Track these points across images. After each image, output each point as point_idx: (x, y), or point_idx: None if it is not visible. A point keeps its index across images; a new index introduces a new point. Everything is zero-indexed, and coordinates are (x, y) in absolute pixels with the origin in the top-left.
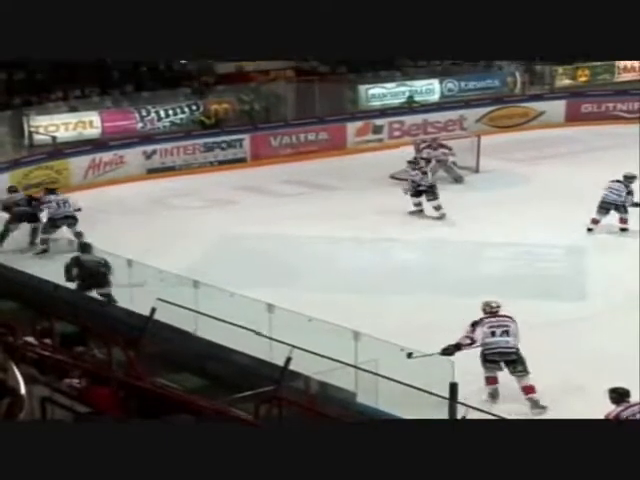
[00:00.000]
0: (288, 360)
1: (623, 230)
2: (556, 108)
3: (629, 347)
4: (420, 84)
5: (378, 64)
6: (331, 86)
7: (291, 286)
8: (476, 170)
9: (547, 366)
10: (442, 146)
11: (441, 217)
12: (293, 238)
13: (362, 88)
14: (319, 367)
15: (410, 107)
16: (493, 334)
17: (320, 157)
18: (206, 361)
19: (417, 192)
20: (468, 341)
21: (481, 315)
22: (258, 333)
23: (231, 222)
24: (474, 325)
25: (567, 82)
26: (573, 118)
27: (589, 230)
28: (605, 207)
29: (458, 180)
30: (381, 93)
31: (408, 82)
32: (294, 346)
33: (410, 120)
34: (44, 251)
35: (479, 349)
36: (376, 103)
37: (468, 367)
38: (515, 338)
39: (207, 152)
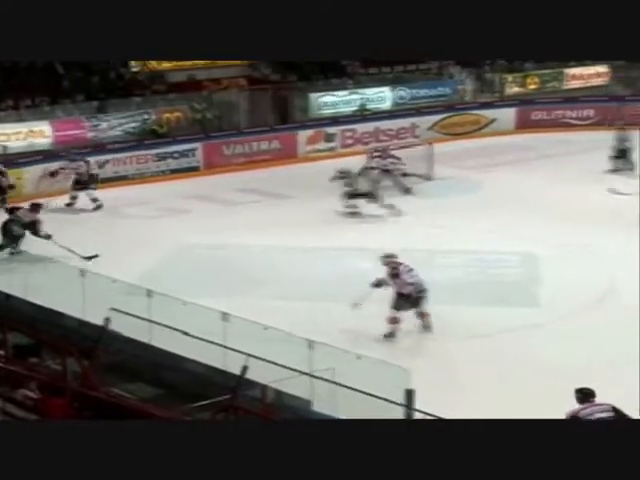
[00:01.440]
0: (244, 369)
1: None
2: (507, 116)
3: (580, 354)
4: (371, 92)
5: (329, 72)
6: (283, 94)
7: (246, 295)
8: (429, 177)
9: (499, 373)
10: (391, 156)
11: (392, 211)
12: (247, 247)
13: (313, 96)
14: (275, 375)
15: (362, 115)
16: (412, 277)
17: (273, 166)
18: (161, 370)
19: (354, 195)
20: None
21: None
22: (186, 333)
23: (184, 231)
24: (396, 277)
25: (517, 90)
26: (523, 125)
27: None
28: None
29: (406, 191)
30: (332, 101)
31: (359, 90)
32: (249, 355)
33: (362, 128)
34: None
35: None
36: (328, 111)
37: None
38: None
39: (160, 161)
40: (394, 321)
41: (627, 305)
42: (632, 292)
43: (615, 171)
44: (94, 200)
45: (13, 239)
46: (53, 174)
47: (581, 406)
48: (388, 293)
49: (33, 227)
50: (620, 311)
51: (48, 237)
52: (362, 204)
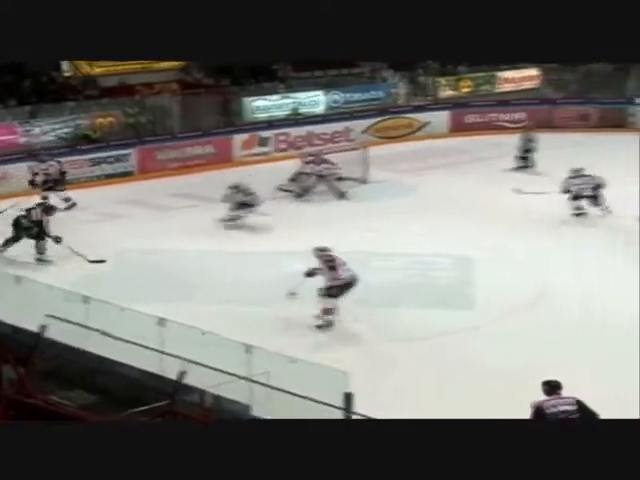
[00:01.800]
0: (182, 374)
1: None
2: (440, 119)
3: (516, 356)
4: (304, 96)
5: (261, 75)
6: (216, 99)
7: (182, 299)
8: (364, 181)
9: (439, 375)
10: (325, 161)
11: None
12: (183, 251)
13: (246, 100)
14: (213, 380)
15: (295, 119)
16: (348, 270)
17: (207, 170)
18: (98, 377)
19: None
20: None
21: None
22: (122, 339)
23: (120, 236)
24: (333, 269)
25: (450, 93)
26: (457, 129)
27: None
28: None
29: (341, 196)
30: (265, 105)
31: (292, 94)
32: (187, 359)
33: (295, 132)
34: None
35: None
36: (261, 115)
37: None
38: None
39: (94, 166)
40: (328, 312)
41: (558, 306)
42: (562, 293)
43: (519, 169)
44: (66, 200)
45: (20, 234)
46: (32, 181)
47: (546, 398)
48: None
49: (40, 226)
50: (552, 313)
51: (58, 240)
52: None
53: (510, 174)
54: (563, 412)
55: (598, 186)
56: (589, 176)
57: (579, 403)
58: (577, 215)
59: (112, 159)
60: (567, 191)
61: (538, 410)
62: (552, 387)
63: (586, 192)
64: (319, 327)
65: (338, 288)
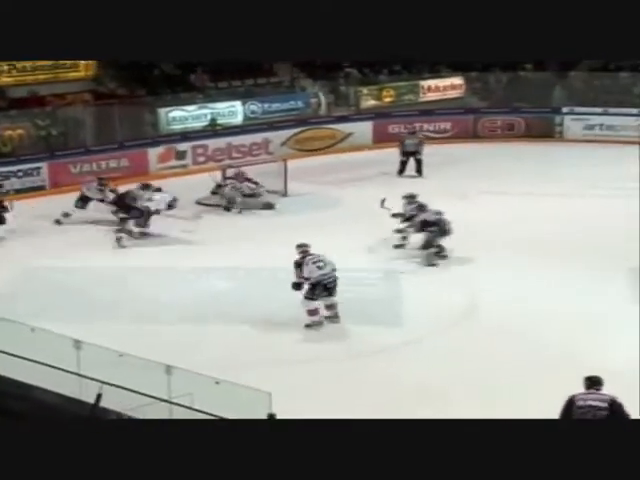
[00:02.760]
0: (99, 397)
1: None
2: (363, 129)
3: (446, 374)
4: (222, 106)
5: (177, 86)
6: (131, 110)
7: (98, 318)
8: (284, 194)
9: (366, 394)
10: (248, 180)
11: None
12: (100, 269)
13: (162, 111)
14: (132, 403)
15: (213, 130)
16: (320, 268)
17: (123, 184)
18: (9, 400)
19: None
20: (303, 280)
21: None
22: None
23: (31, 253)
24: (299, 266)
25: (373, 103)
26: (381, 139)
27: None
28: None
29: (268, 206)
30: (182, 116)
31: (210, 104)
32: (104, 382)
33: (214, 144)
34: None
35: None
36: (177, 127)
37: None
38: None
39: (3, 180)
40: (313, 313)
41: (485, 324)
42: (490, 311)
43: (401, 172)
44: None
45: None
46: None
47: (583, 391)
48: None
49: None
50: (479, 329)
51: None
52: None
53: (439, 184)
54: (591, 407)
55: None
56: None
57: (613, 402)
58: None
59: (22, 173)
60: (399, 215)
61: (569, 401)
62: (592, 382)
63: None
64: (307, 326)
65: (309, 289)
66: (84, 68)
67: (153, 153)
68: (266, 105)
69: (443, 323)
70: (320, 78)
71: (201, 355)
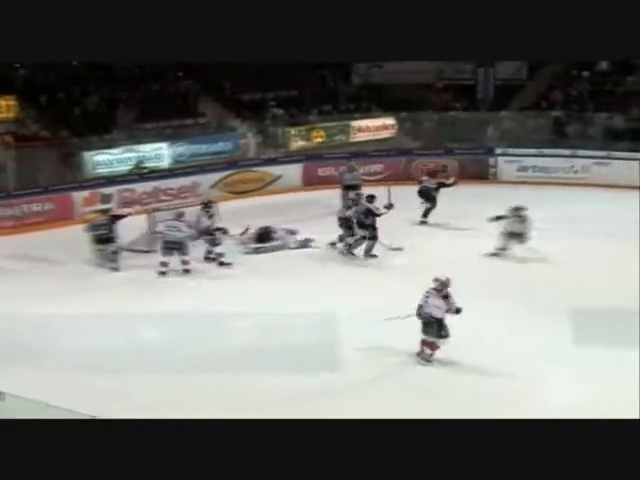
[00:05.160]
0: None
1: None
2: (293, 172)
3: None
4: (148, 149)
5: (102, 127)
6: (54, 152)
7: (23, 368)
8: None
9: None
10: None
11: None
12: (24, 316)
13: (87, 155)
14: None
15: (139, 174)
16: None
17: (47, 229)
18: None
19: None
20: None
21: None
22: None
23: None
24: None
25: (302, 144)
26: (311, 182)
27: None
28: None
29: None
30: (107, 159)
31: (135, 147)
32: None
33: (141, 188)
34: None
35: None
36: (103, 170)
37: None
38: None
39: None
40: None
41: (425, 366)
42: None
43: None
44: None
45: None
46: None
47: None
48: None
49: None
50: (425, 371)
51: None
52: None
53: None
54: None
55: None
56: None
57: None
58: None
59: None
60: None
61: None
62: None
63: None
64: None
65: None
66: (5, 109)
67: (78, 197)
68: (194, 147)
69: (384, 367)
70: (248, 118)
71: (129, 401)
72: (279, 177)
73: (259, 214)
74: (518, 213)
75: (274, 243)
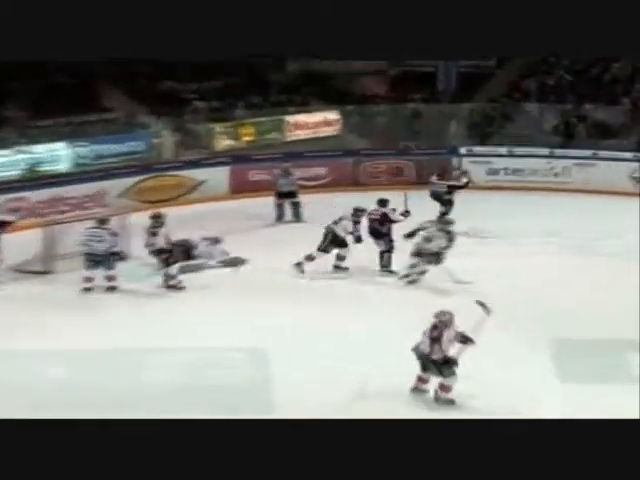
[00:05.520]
0: None
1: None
2: (218, 176)
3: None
4: (43, 150)
5: None
6: None
7: None
8: (124, 257)
9: None
10: None
11: None
12: None
13: None
14: None
15: (33, 180)
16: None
17: None
18: None
19: None
20: None
21: None
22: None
23: None
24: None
25: (230, 143)
26: (240, 188)
27: None
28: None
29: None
30: None
31: (28, 147)
32: None
33: (35, 196)
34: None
35: None
36: None
37: None
38: None
39: None
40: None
41: (378, 406)
42: (382, 392)
43: (280, 218)
44: None
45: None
46: None
47: None
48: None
49: None
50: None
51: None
52: None
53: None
54: None
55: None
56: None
57: None
58: None
59: None
60: None
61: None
62: None
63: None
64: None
65: None
66: None
67: None
68: (99, 147)
69: (325, 407)
70: (164, 113)
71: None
72: (202, 183)
73: (178, 227)
74: (442, 227)
75: (196, 261)
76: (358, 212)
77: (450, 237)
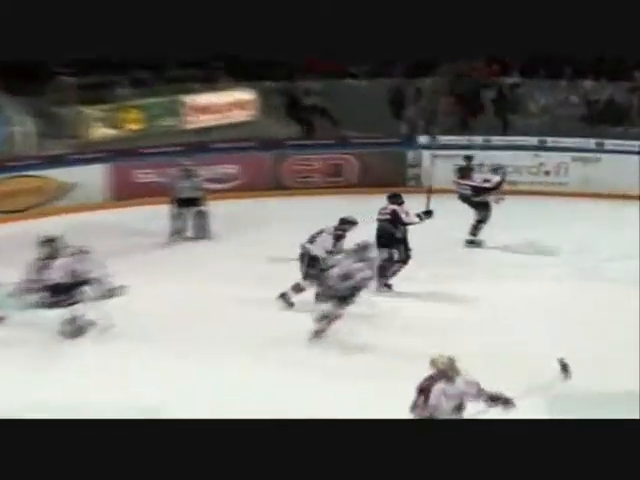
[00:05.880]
0: None
1: None
2: (93, 177)
3: None
4: None
5: None
6: None
7: None
8: None
9: None
10: None
11: None
12: None
13: None
14: None
15: None
16: None
17: None
18: None
19: None
20: None
21: None
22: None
23: None
24: None
25: (109, 133)
26: (122, 193)
27: None
28: None
29: None
30: None
31: None
32: None
33: None
34: None
35: None
36: None
37: None
38: None
39: None
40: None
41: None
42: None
43: (179, 233)
44: None
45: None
46: None
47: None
48: None
49: None
50: None
51: None
52: None
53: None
54: None
55: None
56: None
57: None
58: None
59: None
60: None
61: None
62: None
63: None
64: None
65: None
66: None
67: None
68: None
69: None
70: (19, 92)
71: None
72: (72, 186)
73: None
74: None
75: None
76: (344, 224)
77: (371, 265)
